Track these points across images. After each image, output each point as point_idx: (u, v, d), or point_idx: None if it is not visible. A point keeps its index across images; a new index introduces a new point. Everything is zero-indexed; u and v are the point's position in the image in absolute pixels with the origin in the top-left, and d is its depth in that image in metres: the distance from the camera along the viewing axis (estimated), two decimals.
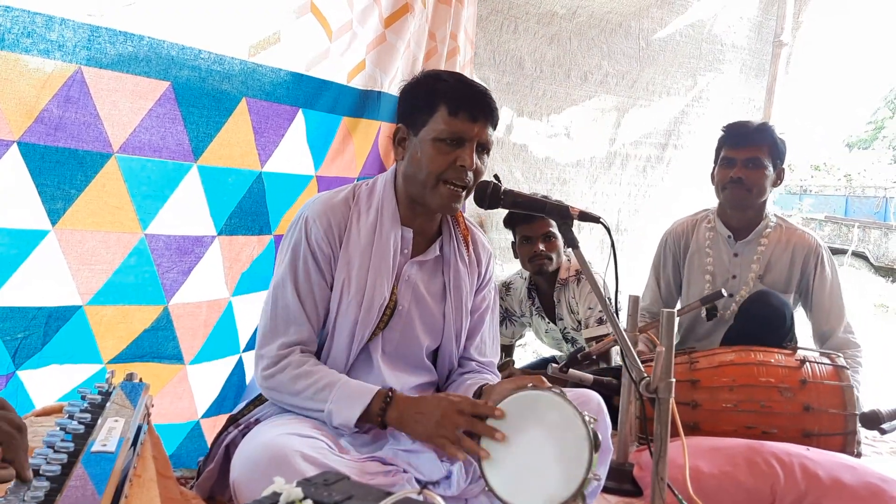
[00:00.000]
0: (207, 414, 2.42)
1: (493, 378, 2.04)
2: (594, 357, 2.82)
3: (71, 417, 1.21)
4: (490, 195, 1.80)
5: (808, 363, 2.57)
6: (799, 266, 3.01)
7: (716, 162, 3.08)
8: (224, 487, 1.80)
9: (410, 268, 1.94)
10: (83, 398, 1.33)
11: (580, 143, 4.39)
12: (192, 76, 2.09)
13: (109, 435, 1.16)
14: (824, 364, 2.59)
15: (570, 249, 3.32)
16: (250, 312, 2.48)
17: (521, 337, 3.88)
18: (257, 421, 1.85)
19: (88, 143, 1.92)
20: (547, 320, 3.43)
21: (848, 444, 2.50)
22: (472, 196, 1.85)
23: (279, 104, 2.33)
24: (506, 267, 4.11)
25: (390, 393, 1.74)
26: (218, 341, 2.38)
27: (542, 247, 3.20)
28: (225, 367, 2.45)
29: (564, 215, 1.78)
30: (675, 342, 1.77)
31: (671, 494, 1.89)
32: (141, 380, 1.55)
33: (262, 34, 2.25)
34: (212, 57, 2.12)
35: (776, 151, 2.96)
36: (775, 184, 3.03)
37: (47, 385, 1.99)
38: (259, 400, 1.94)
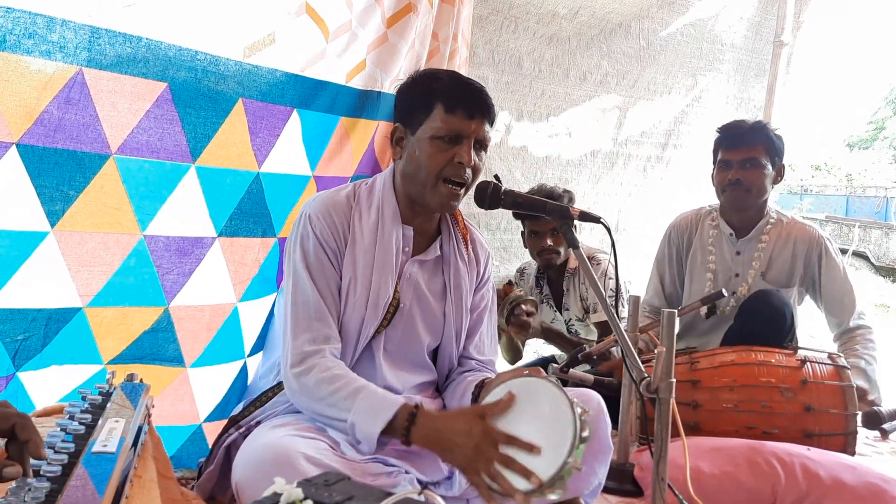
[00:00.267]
0: (210, 418, 2.41)
1: (492, 376, 2.04)
2: (594, 357, 2.82)
3: (71, 418, 1.21)
4: (490, 195, 1.81)
5: (808, 363, 2.57)
6: (801, 259, 3.00)
7: (714, 164, 3.08)
8: (224, 488, 1.80)
9: (412, 266, 1.94)
10: (83, 399, 1.33)
11: (580, 143, 4.39)
12: (189, 77, 2.09)
13: (110, 435, 1.16)
14: (825, 364, 2.59)
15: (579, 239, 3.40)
16: (256, 318, 2.47)
17: None
18: (258, 423, 1.85)
19: (87, 145, 1.91)
20: (554, 309, 3.45)
21: (849, 445, 2.50)
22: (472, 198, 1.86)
23: (274, 104, 2.33)
24: (503, 268, 4.11)
25: (415, 409, 1.64)
26: (222, 346, 2.37)
27: (549, 241, 3.22)
28: (229, 371, 2.44)
29: (565, 216, 1.78)
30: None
31: (672, 495, 1.89)
32: (142, 380, 1.55)
33: (257, 35, 2.25)
34: (208, 58, 2.12)
35: (773, 149, 2.96)
36: (776, 181, 3.03)
37: (47, 386, 1.99)
38: (260, 401, 1.94)
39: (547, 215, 1.82)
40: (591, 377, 2.60)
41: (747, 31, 5.00)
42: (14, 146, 1.78)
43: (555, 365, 2.60)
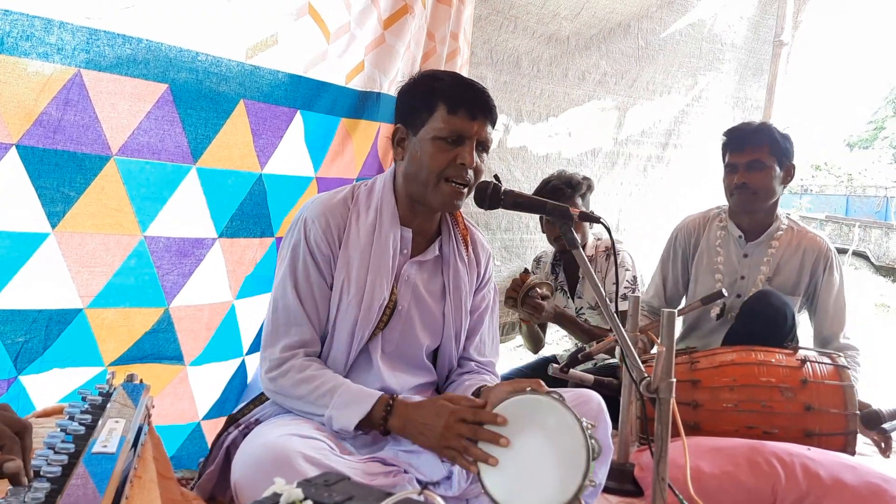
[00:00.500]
0: (209, 416, 2.42)
1: (492, 378, 2.04)
2: (593, 356, 2.82)
3: (71, 419, 1.21)
4: (490, 196, 1.81)
5: (808, 363, 2.56)
6: (808, 269, 2.99)
7: (723, 167, 3.07)
8: (225, 488, 1.80)
9: (410, 268, 1.94)
10: (84, 399, 1.33)
11: (580, 143, 4.39)
12: (190, 78, 2.09)
13: (110, 436, 1.16)
14: (825, 364, 2.58)
15: (595, 228, 3.44)
16: (254, 315, 2.48)
17: None
18: (257, 421, 1.85)
19: (87, 146, 1.92)
20: (567, 296, 3.46)
21: (849, 444, 2.50)
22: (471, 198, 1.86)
23: (277, 106, 2.33)
24: (504, 268, 4.11)
25: (391, 400, 1.73)
26: (221, 344, 2.38)
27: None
28: (227, 369, 2.45)
29: (565, 216, 1.78)
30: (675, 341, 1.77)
31: (672, 494, 1.89)
32: (142, 381, 1.56)
33: (259, 36, 2.26)
34: (209, 59, 2.12)
35: (779, 150, 2.94)
36: (785, 181, 3.01)
37: (49, 389, 1.99)
38: (259, 400, 1.94)
39: (547, 215, 1.82)
40: (591, 377, 2.60)
41: (747, 30, 5.00)
42: (14, 147, 1.78)
43: (555, 365, 2.59)
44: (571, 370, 2.58)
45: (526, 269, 3.28)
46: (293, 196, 2.50)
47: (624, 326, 2.91)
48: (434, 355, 2.07)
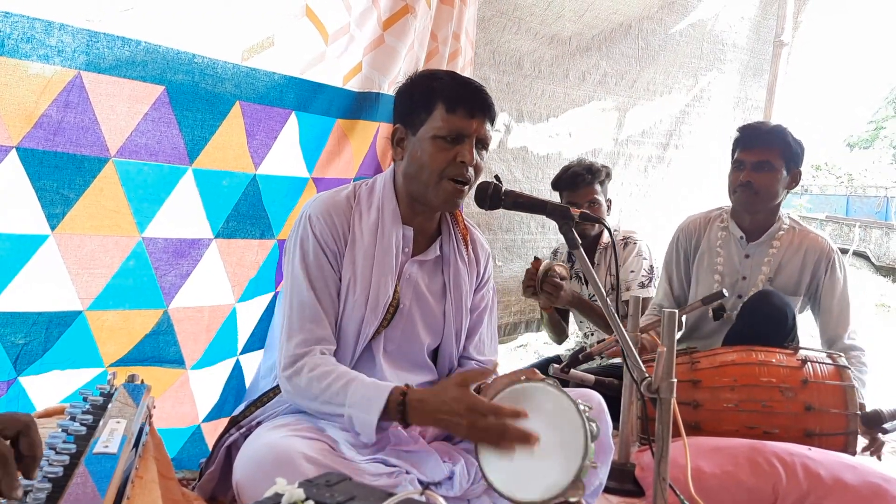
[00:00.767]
0: (208, 418, 2.42)
1: (492, 377, 2.04)
2: (593, 356, 2.82)
3: (73, 419, 1.21)
4: (491, 196, 1.81)
5: (809, 363, 2.56)
6: (810, 270, 2.98)
7: (731, 163, 3.06)
8: (225, 489, 1.80)
9: (411, 266, 1.95)
10: (85, 399, 1.33)
11: (581, 143, 4.39)
12: (187, 80, 2.10)
13: (111, 436, 1.16)
14: (826, 364, 2.58)
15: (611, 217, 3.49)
16: (251, 316, 2.48)
17: None
18: (259, 423, 1.85)
19: (86, 148, 1.92)
20: (581, 283, 3.50)
21: (850, 444, 2.49)
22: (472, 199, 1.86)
23: (272, 107, 2.33)
24: (505, 268, 4.11)
25: (402, 396, 1.67)
26: (219, 346, 2.39)
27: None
28: (223, 370, 2.45)
29: (565, 216, 1.78)
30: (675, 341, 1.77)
31: (673, 494, 1.89)
32: (143, 381, 1.56)
33: (256, 38, 2.26)
34: (205, 61, 2.13)
35: (790, 154, 2.93)
36: (790, 186, 3.00)
37: (49, 390, 1.99)
38: (260, 401, 1.94)
39: (548, 216, 1.82)
40: (591, 377, 2.60)
41: (748, 31, 5.00)
42: (14, 150, 1.78)
43: (555, 365, 2.59)
44: (572, 370, 2.58)
45: (536, 258, 3.31)
46: (291, 197, 2.50)
47: (642, 314, 2.94)
48: (434, 354, 2.07)
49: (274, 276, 2.50)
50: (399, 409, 1.66)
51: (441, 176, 1.82)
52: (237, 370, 2.49)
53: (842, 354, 2.68)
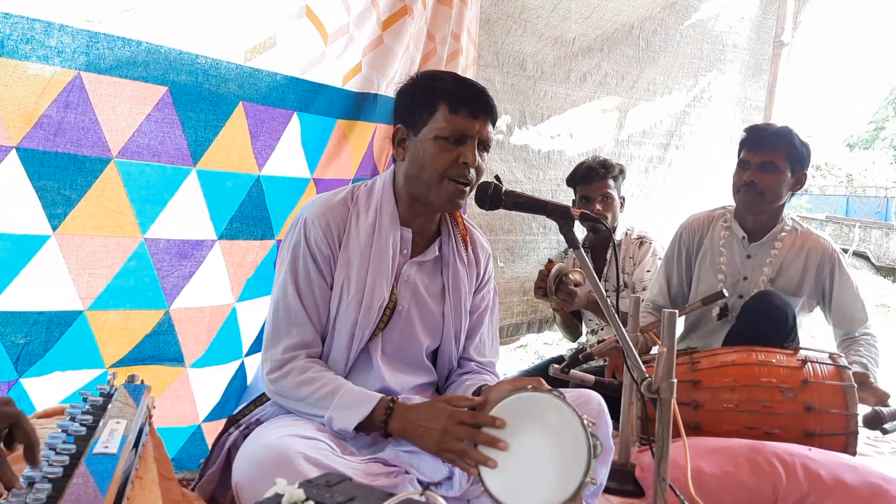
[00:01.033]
0: (209, 418, 2.42)
1: (493, 378, 2.04)
2: (594, 356, 2.83)
3: (73, 419, 1.21)
4: (491, 196, 1.81)
5: (809, 363, 2.56)
6: (812, 271, 2.99)
7: (737, 163, 3.06)
8: (226, 489, 1.80)
9: (410, 268, 1.94)
10: (85, 400, 1.33)
11: (582, 144, 4.38)
12: (190, 81, 2.10)
13: (111, 436, 1.16)
14: (826, 364, 2.58)
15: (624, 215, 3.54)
16: (254, 317, 2.48)
17: None
18: (258, 422, 1.86)
19: (87, 148, 1.92)
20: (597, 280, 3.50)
21: (850, 445, 2.49)
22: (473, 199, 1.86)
23: (274, 108, 2.33)
24: (507, 269, 4.11)
25: (391, 404, 1.73)
26: (221, 346, 2.38)
27: (598, 207, 3.37)
28: (227, 371, 2.45)
29: (566, 216, 1.78)
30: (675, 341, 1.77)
31: (673, 495, 1.89)
32: (143, 381, 1.56)
33: (258, 38, 2.26)
34: (208, 61, 2.13)
35: (795, 156, 2.92)
36: (794, 188, 3.00)
37: (49, 391, 1.99)
38: (260, 400, 1.95)
39: (548, 216, 1.81)
40: (591, 377, 2.60)
41: (748, 31, 5.00)
42: (14, 150, 1.78)
43: (556, 366, 2.59)
44: (572, 370, 2.58)
45: (550, 259, 3.32)
46: (292, 198, 2.50)
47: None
48: (434, 355, 2.07)
49: (272, 277, 2.50)
50: (384, 416, 1.71)
51: (443, 177, 1.82)
52: (241, 372, 2.49)
53: (842, 355, 2.69)
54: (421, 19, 2.84)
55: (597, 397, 1.88)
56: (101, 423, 1.21)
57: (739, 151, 3.04)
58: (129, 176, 2.02)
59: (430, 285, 1.99)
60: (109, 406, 1.31)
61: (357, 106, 2.64)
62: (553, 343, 5.62)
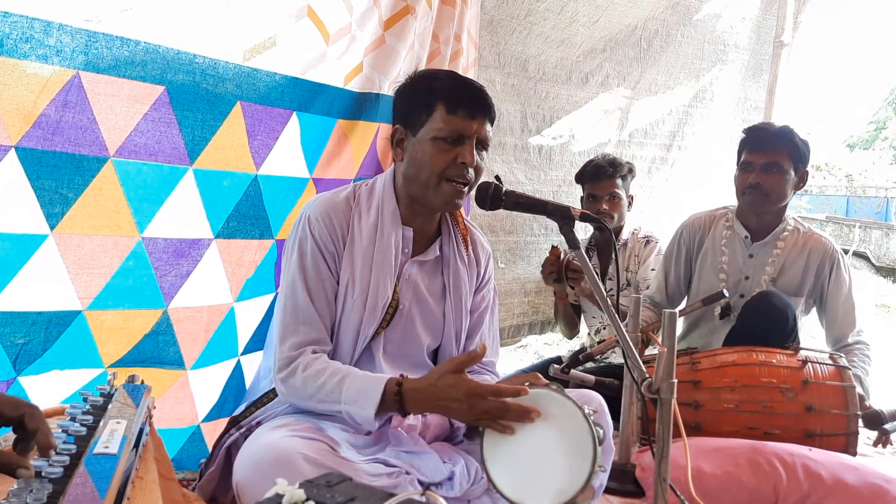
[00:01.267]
0: (208, 418, 2.42)
1: (492, 378, 2.04)
2: (594, 356, 2.83)
3: (73, 419, 1.21)
4: (491, 196, 1.81)
5: (809, 363, 2.56)
6: (813, 271, 2.98)
7: (738, 164, 3.05)
8: (226, 489, 1.80)
9: (411, 267, 1.94)
10: (85, 400, 1.33)
11: (585, 145, 4.38)
12: (187, 80, 2.10)
13: (111, 437, 1.16)
14: (826, 364, 2.58)
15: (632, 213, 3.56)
16: (251, 316, 2.48)
17: None
18: (259, 423, 1.85)
19: (85, 147, 1.92)
20: (598, 277, 3.50)
21: (850, 445, 2.49)
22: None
23: (273, 108, 2.33)
24: (508, 270, 4.11)
25: (398, 387, 1.69)
26: (218, 345, 2.38)
27: (605, 206, 3.39)
28: (224, 370, 2.45)
29: (566, 216, 1.78)
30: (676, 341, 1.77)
31: (673, 495, 1.89)
32: (143, 381, 1.55)
33: (257, 39, 2.26)
34: (206, 61, 2.13)
35: (797, 155, 2.92)
36: (797, 187, 2.99)
37: (48, 391, 1.99)
38: (261, 402, 1.94)
39: (548, 216, 1.81)
40: (591, 378, 2.60)
41: (749, 31, 4.99)
42: (13, 149, 1.78)
43: (556, 366, 2.59)
44: (573, 370, 2.58)
45: (554, 246, 3.34)
46: (291, 197, 2.50)
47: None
48: (434, 355, 2.07)
49: (273, 277, 2.50)
50: (396, 399, 1.68)
51: (441, 177, 1.82)
52: (238, 371, 2.49)
53: (842, 355, 2.68)
54: (426, 19, 2.84)
55: (597, 397, 1.88)
56: (101, 424, 1.21)
57: (740, 152, 3.03)
58: (126, 175, 2.02)
59: (431, 285, 1.99)
60: (110, 406, 1.30)
61: (358, 106, 2.64)
62: (553, 343, 5.62)
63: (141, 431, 1.35)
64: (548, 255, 3.32)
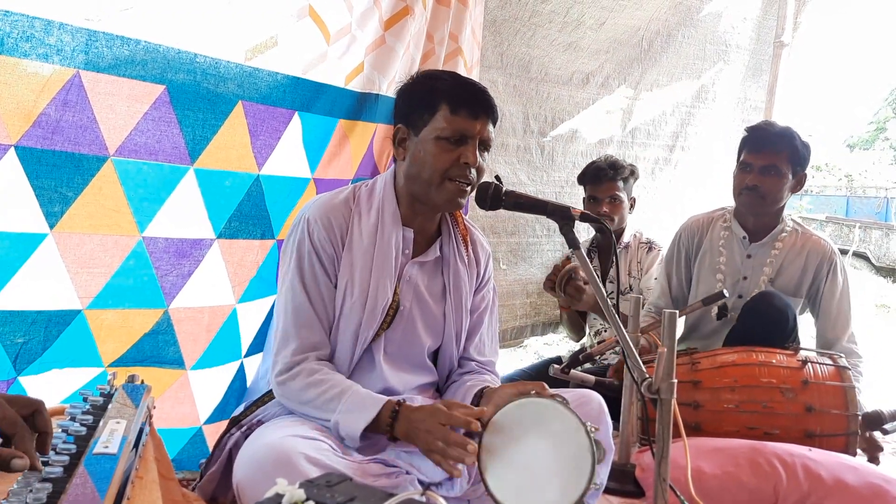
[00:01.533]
0: (210, 420, 2.42)
1: (493, 378, 2.05)
2: (594, 357, 2.83)
3: (73, 419, 1.21)
4: (491, 196, 1.81)
5: (809, 364, 2.56)
6: (811, 272, 2.98)
7: (737, 162, 3.05)
8: (226, 489, 1.80)
9: (411, 268, 1.94)
10: (85, 400, 1.33)
11: (586, 145, 4.38)
12: (188, 80, 2.10)
13: (111, 436, 1.16)
14: (826, 365, 2.58)
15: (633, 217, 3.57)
16: (254, 318, 2.48)
17: None
18: (260, 422, 1.85)
19: (85, 147, 1.92)
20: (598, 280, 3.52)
21: (850, 445, 2.49)
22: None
23: (275, 107, 2.33)
24: (510, 271, 4.11)
25: (397, 406, 1.70)
26: (221, 347, 2.38)
27: (606, 208, 3.40)
28: (227, 373, 2.45)
29: (566, 216, 1.78)
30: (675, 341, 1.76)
31: (673, 495, 1.89)
32: (143, 381, 1.55)
33: (259, 38, 2.26)
34: (207, 61, 2.13)
35: (797, 157, 2.91)
36: (795, 189, 2.99)
37: (48, 390, 1.99)
38: (261, 401, 1.94)
39: (548, 216, 1.81)
40: (591, 378, 2.60)
41: (750, 31, 4.99)
42: (12, 148, 1.78)
43: (556, 366, 2.59)
44: (573, 371, 2.58)
45: (567, 256, 3.33)
46: (292, 197, 2.50)
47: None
48: (434, 355, 2.07)
49: (275, 279, 2.49)
50: (390, 420, 1.68)
51: (444, 177, 1.82)
52: (241, 373, 2.48)
53: (842, 355, 2.68)
54: (421, 19, 2.84)
55: (597, 397, 1.88)
56: (101, 423, 1.21)
57: (740, 152, 3.02)
58: (126, 174, 2.01)
59: (431, 285, 1.99)
60: (109, 406, 1.30)
61: (359, 106, 2.64)
62: (553, 343, 5.62)
63: (141, 431, 1.35)
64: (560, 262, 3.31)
